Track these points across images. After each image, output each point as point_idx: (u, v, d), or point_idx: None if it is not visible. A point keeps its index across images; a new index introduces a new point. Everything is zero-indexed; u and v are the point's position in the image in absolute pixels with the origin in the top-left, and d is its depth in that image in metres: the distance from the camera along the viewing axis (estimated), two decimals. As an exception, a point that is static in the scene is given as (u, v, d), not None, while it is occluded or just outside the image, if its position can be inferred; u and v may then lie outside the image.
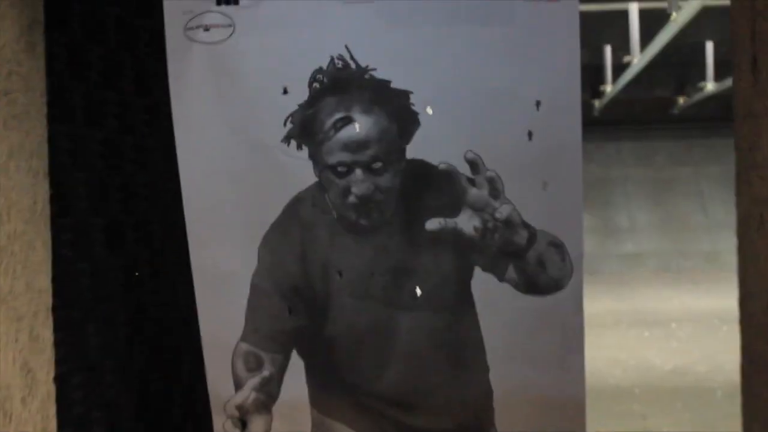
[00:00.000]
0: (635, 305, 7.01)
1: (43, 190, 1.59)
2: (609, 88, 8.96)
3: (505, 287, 1.56)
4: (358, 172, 1.51)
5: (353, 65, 1.53)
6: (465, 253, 1.55)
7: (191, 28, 1.56)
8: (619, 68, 8.04)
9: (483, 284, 1.57)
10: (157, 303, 2.01)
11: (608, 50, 8.43)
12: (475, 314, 1.59)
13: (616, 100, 9.08)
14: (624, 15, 7.08)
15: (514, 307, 1.58)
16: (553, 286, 1.56)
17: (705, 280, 8.48)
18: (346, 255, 1.58)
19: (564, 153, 1.55)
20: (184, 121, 1.57)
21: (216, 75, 1.56)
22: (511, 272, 1.54)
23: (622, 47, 7.49)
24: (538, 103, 1.53)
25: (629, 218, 10.17)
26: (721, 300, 5.53)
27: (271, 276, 1.59)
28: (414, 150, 1.54)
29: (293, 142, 1.53)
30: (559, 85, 1.54)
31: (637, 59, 7.48)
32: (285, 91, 1.52)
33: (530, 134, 1.52)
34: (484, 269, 1.55)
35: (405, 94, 1.53)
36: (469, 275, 1.57)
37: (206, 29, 1.56)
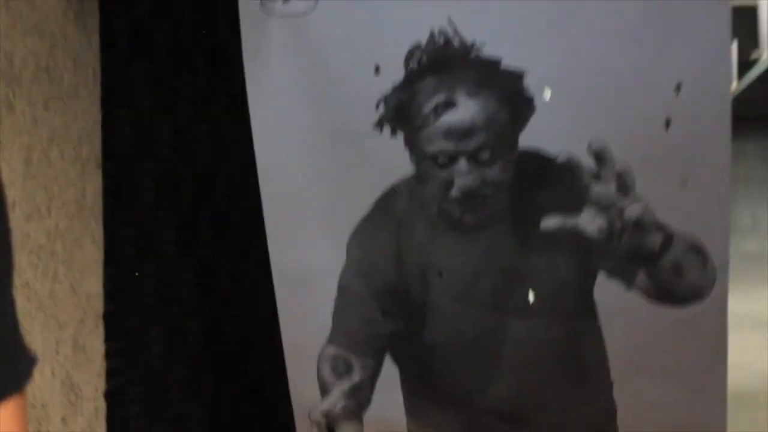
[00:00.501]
0: (759, 307, 6.72)
1: (94, 182, 1.44)
2: (734, 85, 8.57)
3: (634, 295, 1.37)
4: (463, 162, 1.34)
5: (457, 41, 1.35)
6: (587, 256, 1.37)
7: (269, 0, 1.42)
8: (746, 65, 7.70)
9: (608, 291, 1.39)
10: (235, 308, 1.88)
11: (735, 46, 8.07)
12: (597, 324, 1.42)
13: (740, 98, 8.69)
14: (753, 11, 6.75)
15: (644, 318, 1.40)
16: (692, 295, 1.37)
17: (832, 283, 8.08)
18: (448, 254, 1.43)
19: (709, 144, 1.33)
20: (260, 106, 1.43)
21: (297, 53, 1.41)
22: (641, 279, 1.36)
23: (749, 43, 7.18)
24: (678, 86, 1.30)
25: (752, 218, 9.78)
26: None
27: (362, 276, 1.46)
28: (528, 139, 1.36)
29: (387, 129, 1.38)
30: (705, 64, 1.31)
31: (766, 55, 7.12)
32: (377, 70, 1.35)
33: (668, 122, 1.31)
34: (610, 275, 1.37)
35: (518, 76, 1.34)
36: (592, 281, 1.39)
37: (285, 0, 1.40)
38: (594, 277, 1.40)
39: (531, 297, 1.44)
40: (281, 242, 1.48)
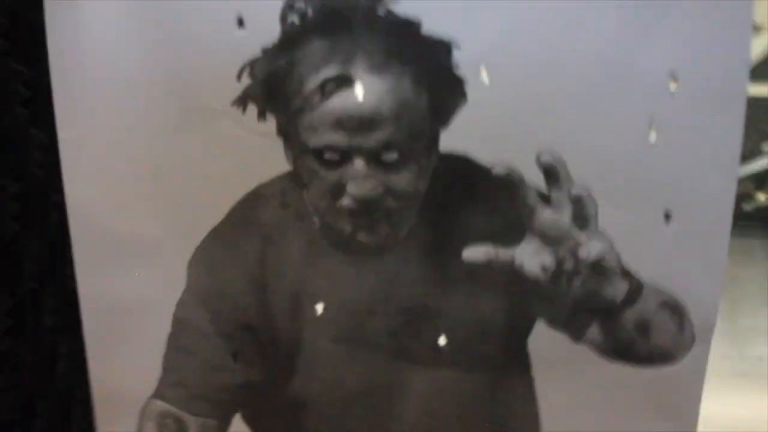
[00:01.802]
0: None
1: None
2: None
3: (582, 349, 1.07)
4: (359, 163, 1.01)
5: None
6: (523, 299, 1.05)
7: None
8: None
9: (546, 342, 1.09)
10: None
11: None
12: (528, 379, 1.12)
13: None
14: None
15: (591, 375, 1.10)
16: (659, 357, 1.08)
17: None
18: (332, 282, 1.10)
19: (708, 167, 1.01)
20: (63, 61, 1.05)
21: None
22: (593, 333, 1.05)
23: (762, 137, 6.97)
24: (671, 81, 0.97)
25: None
26: None
27: (207, 306, 1.11)
28: (454, 139, 1.02)
29: (252, 109, 1.03)
30: (714, 54, 0.98)
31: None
32: (240, 24, 1.00)
33: (653, 130, 0.99)
34: (551, 324, 1.06)
35: (445, 47, 1.00)
36: (526, 329, 1.09)
37: None
38: (530, 325, 1.08)
39: (442, 341, 1.15)
40: (92, 266, 1.10)
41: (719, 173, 1.02)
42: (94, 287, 1.10)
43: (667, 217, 1.01)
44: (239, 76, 1.01)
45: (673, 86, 0.98)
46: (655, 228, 1.02)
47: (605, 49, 0.97)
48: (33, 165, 1.11)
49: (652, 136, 1.00)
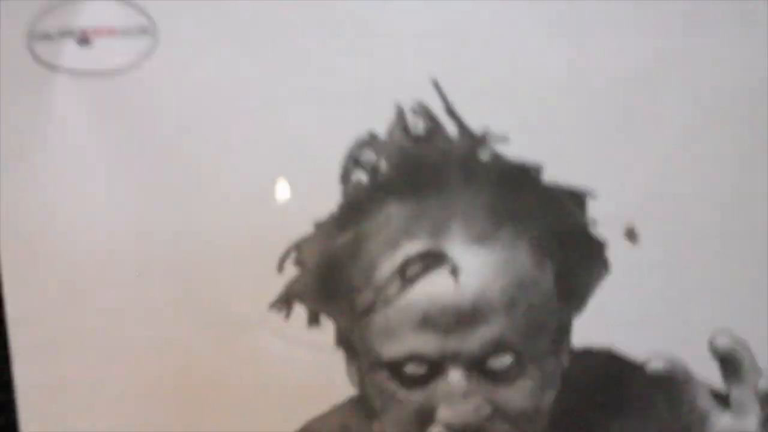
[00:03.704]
0: None
1: None
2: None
3: None
4: (455, 375, 0.80)
5: (454, 127, 0.84)
6: None
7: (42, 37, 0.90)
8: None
9: None
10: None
11: None
12: None
13: None
14: None
15: None
16: None
17: None
18: None
19: None
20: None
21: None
22: None
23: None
24: None
25: None
26: None
27: None
28: (588, 327, 0.84)
29: (299, 312, 0.84)
30: None
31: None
32: (280, 190, 0.81)
33: None
34: None
35: (578, 199, 0.83)
36: None
37: (83, 40, 0.91)
38: None
39: None
40: None
41: None
42: None
43: None
44: (281, 266, 0.83)
45: None
46: None
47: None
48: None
49: None
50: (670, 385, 0.77)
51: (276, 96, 0.83)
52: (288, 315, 0.82)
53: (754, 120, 0.83)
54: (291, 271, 0.81)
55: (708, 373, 0.76)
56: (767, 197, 0.85)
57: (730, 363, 0.76)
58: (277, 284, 0.81)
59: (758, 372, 0.77)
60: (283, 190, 0.82)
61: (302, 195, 0.82)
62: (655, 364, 0.76)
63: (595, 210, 0.81)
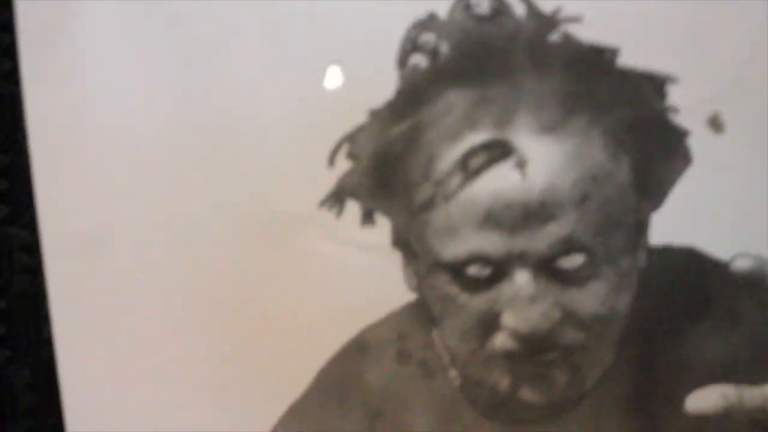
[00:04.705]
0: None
1: None
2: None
3: None
4: (522, 277, 0.78)
5: (522, 6, 0.81)
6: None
7: None
8: None
9: None
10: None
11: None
12: None
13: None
14: None
15: None
16: None
17: None
18: None
19: None
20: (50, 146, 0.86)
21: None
22: None
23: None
24: None
25: None
26: None
27: None
28: (669, 223, 0.81)
29: (352, 208, 0.83)
30: None
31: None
32: (332, 74, 0.80)
33: None
34: None
35: (657, 84, 0.80)
36: None
37: None
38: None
39: None
40: None
41: None
42: None
43: None
44: (332, 158, 0.81)
45: None
46: None
47: None
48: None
49: None
50: (757, 286, 0.75)
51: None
52: (340, 213, 0.80)
53: None
54: (343, 164, 0.79)
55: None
56: None
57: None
58: (329, 179, 0.79)
59: None
60: (335, 76, 0.79)
61: (356, 81, 0.79)
62: (741, 264, 0.74)
63: (676, 97, 0.78)
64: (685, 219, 0.81)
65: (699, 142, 0.79)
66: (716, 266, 0.79)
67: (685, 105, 0.79)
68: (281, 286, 0.84)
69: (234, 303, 0.85)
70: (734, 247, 0.76)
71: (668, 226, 0.80)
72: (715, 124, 0.79)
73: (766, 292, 0.75)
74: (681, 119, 0.79)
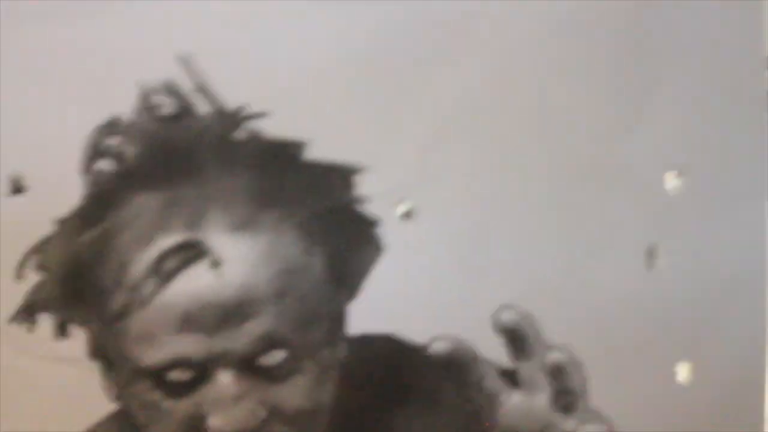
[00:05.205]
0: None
1: None
2: None
3: None
4: (225, 377, 0.78)
5: (207, 105, 0.83)
6: None
7: None
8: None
9: None
10: None
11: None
12: None
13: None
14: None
15: None
16: None
17: None
18: None
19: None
20: None
21: None
22: None
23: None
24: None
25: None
26: None
27: None
28: (366, 312, 0.84)
29: (44, 322, 0.80)
30: None
31: None
32: (17, 187, 0.78)
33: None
34: None
35: (345, 173, 0.83)
36: None
37: None
38: None
39: None
40: None
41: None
42: None
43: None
44: (20, 271, 0.79)
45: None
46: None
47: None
48: None
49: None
50: (456, 367, 0.78)
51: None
52: (32, 327, 0.79)
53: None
54: (33, 277, 0.78)
55: (494, 353, 0.78)
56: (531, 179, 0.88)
57: (515, 338, 0.77)
58: (17, 293, 0.78)
59: (544, 346, 0.79)
60: (16, 186, 0.79)
61: (39, 190, 0.79)
62: (438, 346, 0.77)
63: (367, 187, 0.82)
64: (384, 306, 0.84)
65: (391, 229, 0.83)
66: (415, 351, 0.82)
67: (375, 193, 0.82)
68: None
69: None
70: (432, 330, 0.79)
71: (367, 314, 0.83)
72: (409, 212, 0.84)
73: (464, 371, 0.78)
74: (373, 208, 0.82)
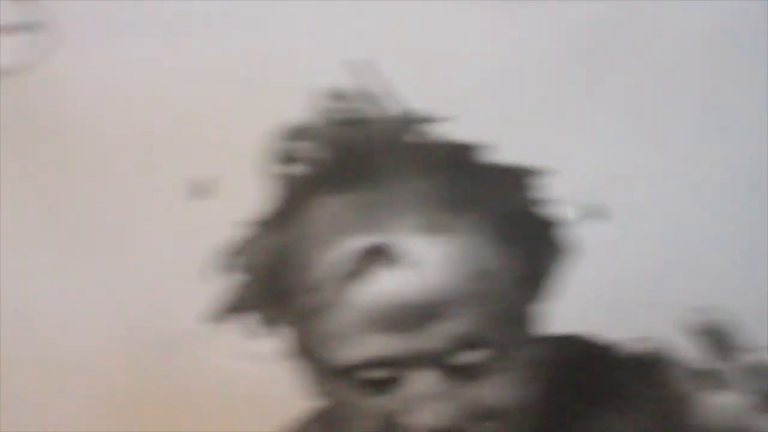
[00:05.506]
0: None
1: None
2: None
3: None
4: (423, 377, 0.79)
5: (395, 109, 0.86)
6: None
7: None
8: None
9: None
10: None
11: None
12: None
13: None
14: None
15: None
16: None
17: None
18: None
19: None
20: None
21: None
22: None
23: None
24: None
25: None
26: None
27: None
28: (564, 312, 0.85)
29: (235, 322, 0.84)
30: None
31: None
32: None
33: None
34: None
35: (529, 175, 0.85)
36: None
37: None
38: None
39: None
40: None
41: None
42: None
43: None
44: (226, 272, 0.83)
45: None
46: None
47: None
48: None
49: None
50: (650, 368, 0.77)
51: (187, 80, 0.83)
52: (232, 326, 0.82)
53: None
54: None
55: (692, 353, 0.78)
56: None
57: (713, 340, 0.77)
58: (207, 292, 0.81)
59: (742, 347, 0.78)
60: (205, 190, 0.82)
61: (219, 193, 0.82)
62: (631, 347, 0.77)
63: (553, 189, 0.82)
64: (582, 306, 0.84)
65: (585, 230, 0.83)
66: (610, 350, 0.82)
67: (563, 195, 0.82)
68: (178, 403, 0.85)
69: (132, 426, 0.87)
70: (629, 331, 0.79)
71: (564, 314, 0.83)
72: (596, 212, 0.84)
73: (660, 373, 0.77)
74: (561, 210, 0.82)
